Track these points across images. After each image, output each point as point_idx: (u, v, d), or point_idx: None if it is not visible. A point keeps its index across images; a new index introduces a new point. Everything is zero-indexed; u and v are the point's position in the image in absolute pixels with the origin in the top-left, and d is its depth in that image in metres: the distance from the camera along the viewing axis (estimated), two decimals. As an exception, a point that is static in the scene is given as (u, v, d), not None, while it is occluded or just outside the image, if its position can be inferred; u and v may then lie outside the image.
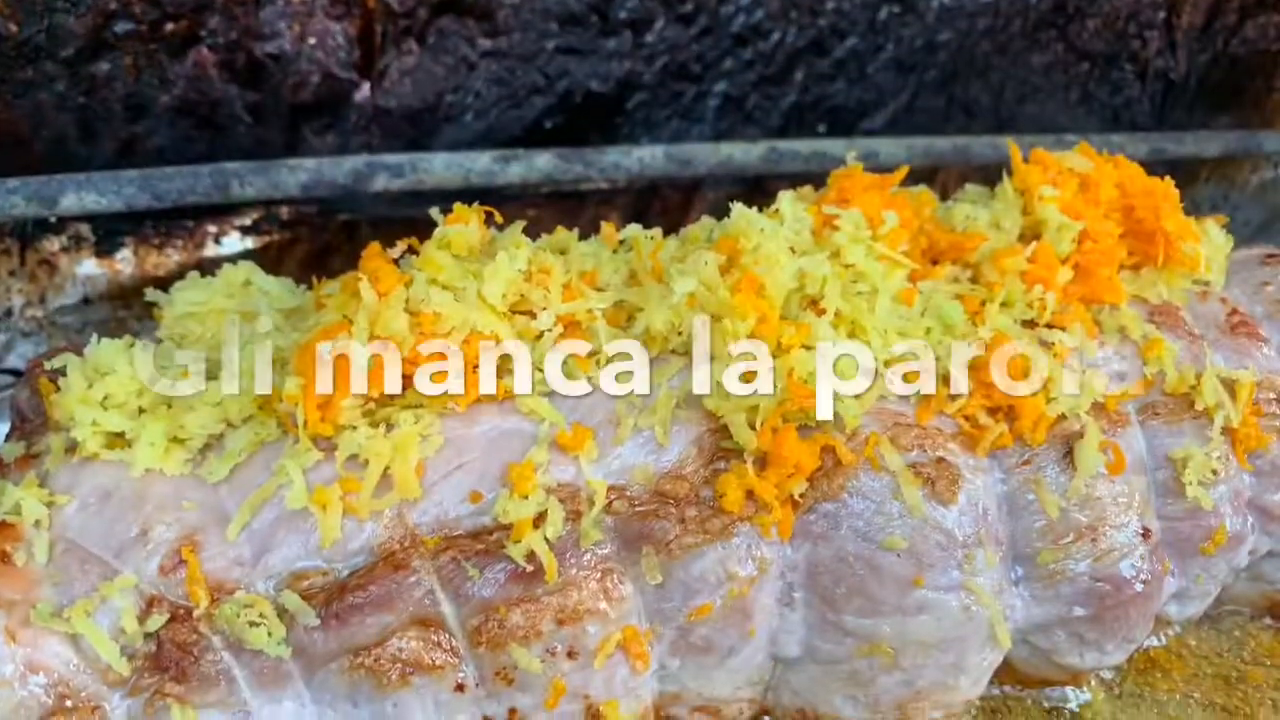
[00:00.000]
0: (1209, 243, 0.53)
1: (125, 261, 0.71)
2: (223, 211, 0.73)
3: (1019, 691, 0.47)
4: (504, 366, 0.42)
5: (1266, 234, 1.22)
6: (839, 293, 0.43)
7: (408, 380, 0.40)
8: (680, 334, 0.43)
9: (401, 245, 0.44)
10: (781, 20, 0.86)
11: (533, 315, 0.42)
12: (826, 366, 0.42)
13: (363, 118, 0.75)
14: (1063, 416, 0.44)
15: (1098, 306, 0.49)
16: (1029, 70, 0.96)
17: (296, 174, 0.61)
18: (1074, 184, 0.50)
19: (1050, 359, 0.45)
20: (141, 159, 0.69)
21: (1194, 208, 1.27)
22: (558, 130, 0.82)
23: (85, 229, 0.70)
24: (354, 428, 0.39)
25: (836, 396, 0.41)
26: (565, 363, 0.42)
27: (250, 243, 0.74)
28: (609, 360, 0.43)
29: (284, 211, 0.74)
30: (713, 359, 0.42)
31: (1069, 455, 0.44)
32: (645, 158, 0.70)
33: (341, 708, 0.38)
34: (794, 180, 0.61)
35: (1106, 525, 0.44)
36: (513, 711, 0.39)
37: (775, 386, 0.41)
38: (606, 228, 0.49)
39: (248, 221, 0.74)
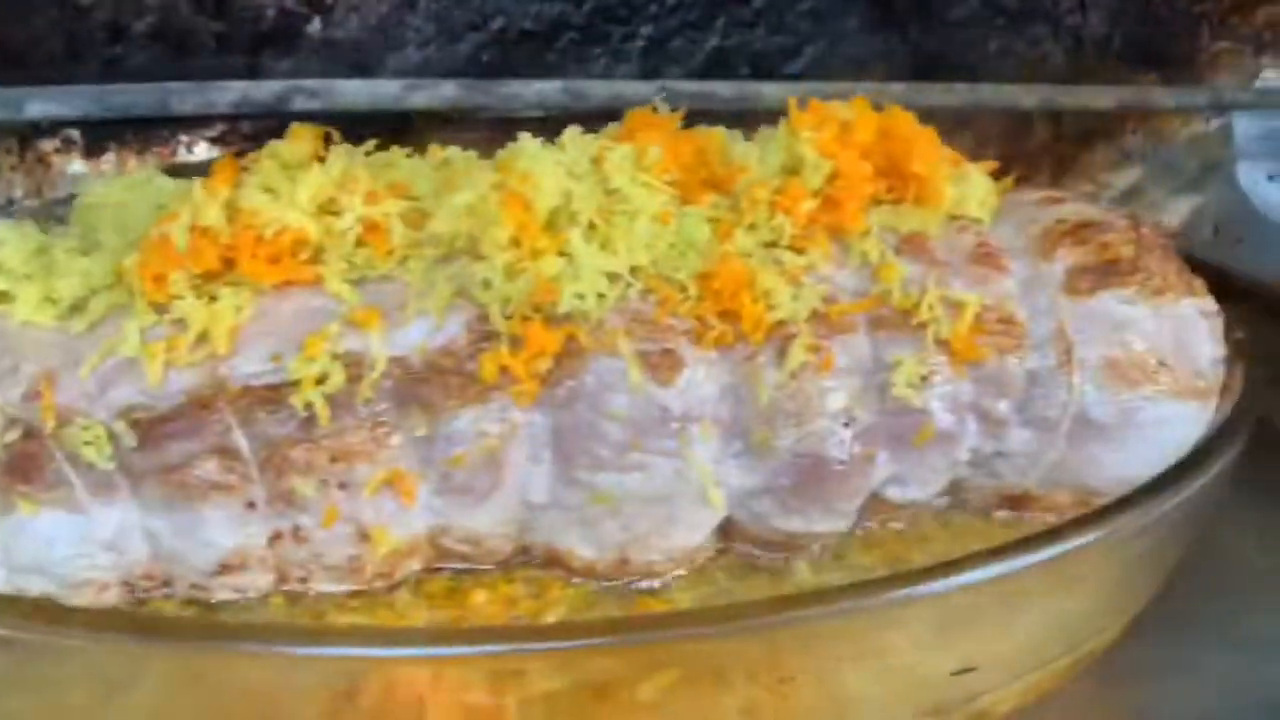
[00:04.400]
0: (971, 185, 0.57)
1: (109, 163, 0.80)
2: (194, 124, 0.80)
3: (756, 553, 0.53)
4: (318, 257, 0.49)
5: (1200, 185, 1.22)
6: (594, 210, 0.49)
7: (232, 263, 0.47)
8: (462, 237, 0.49)
9: (254, 155, 0.51)
10: (702, -29, 0.89)
11: (337, 214, 0.49)
12: (574, 269, 0.48)
13: (314, 46, 0.81)
14: (782, 322, 0.50)
15: (846, 234, 0.53)
16: (946, 23, 0.98)
17: (226, 94, 0.68)
18: (835, 129, 0.54)
19: (776, 274, 0.50)
20: (123, 77, 0.76)
21: (1124, 158, 1.28)
22: (493, 63, 0.87)
23: (75, 134, 0.78)
24: (183, 297, 0.46)
25: (580, 294, 0.47)
26: (368, 255, 0.49)
27: (216, 152, 0.82)
28: (405, 256, 0.49)
29: (245, 126, 0.81)
30: (484, 259, 0.48)
31: (784, 353, 0.49)
32: (542, 91, 0.75)
33: (158, 513, 0.45)
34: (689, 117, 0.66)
35: (812, 412, 0.49)
36: (297, 528, 0.47)
37: (529, 283, 0.47)
38: (432, 149, 0.55)
39: (215, 133, 0.82)
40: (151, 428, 0.45)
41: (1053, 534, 0.43)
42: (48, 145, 0.78)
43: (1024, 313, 0.55)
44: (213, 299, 0.46)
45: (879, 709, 0.42)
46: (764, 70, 0.95)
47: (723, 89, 0.79)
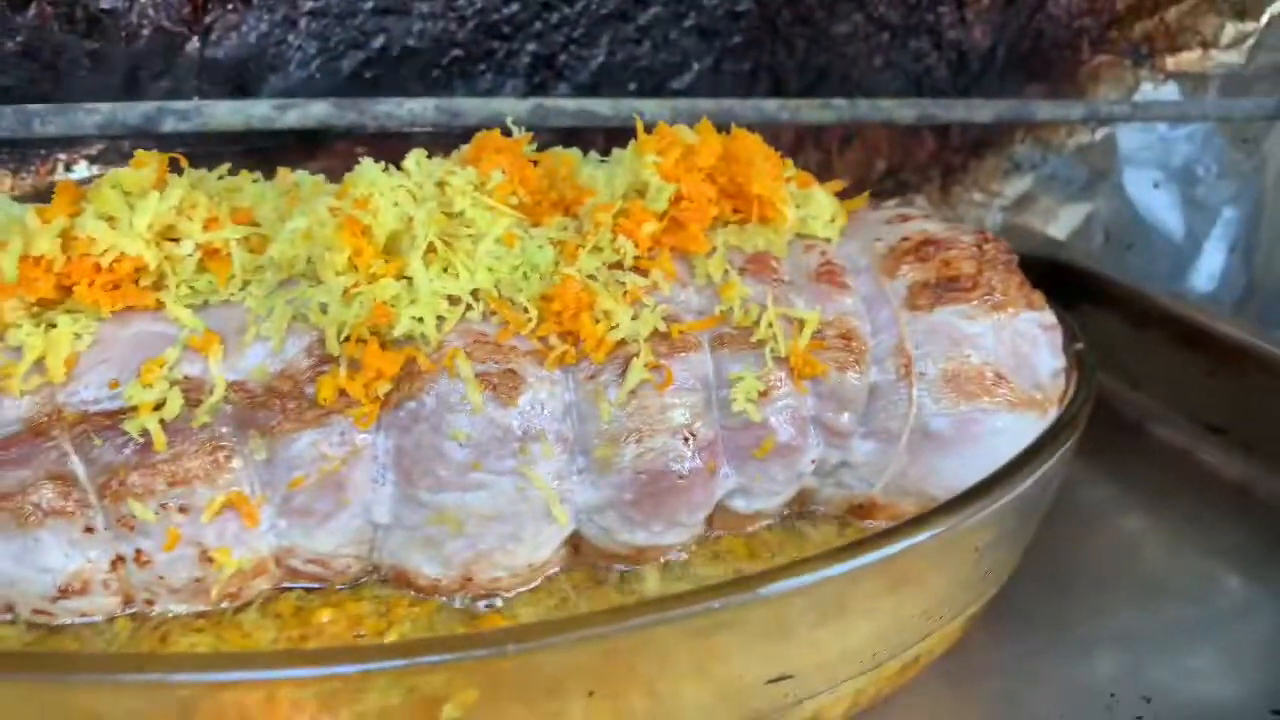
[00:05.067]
0: (817, 204, 0.59)
1: (-21, 184, 0.79)
2: (73, 142, 0.80)
3: (604, 568, 0.54)
4: (160, 283, 0.49)
5: (1089, 193, 1.26)
6: (434, 234, 0.50)
7: (68, 290, 0.47)
8: (300, 262, 0.49)
9: (97, 181, 0.51)
10: (585, -11, 0.90)
11: (177, 240, 0.49)
12: (413, 292, 0.48)
13: (193, 66, 0.81)
14: (623, 341, 0.51)
15: (691, 254, 0.55)
16: (831, 39, 1.00)
17: (93, 116, 0.68)
18: (678, 152, 0.55)
19: (618, 295, 0.51)
20: (-7, 96, 0.75)
21: (1014, 167, 1.31)
22: (378, 80, 0.87)
23: (-54, 154, 0.77)
24: (18, 325, 0.46)
25: (418, 317, 0.48)
26: (209, 281, 0.49)
27: (97, 169, 0.81)
28: (245, 282, 0.50)
29: (125, 145, 0.81)
30: (321, 283, 0.49)
31: (625, 372, 0.51)
32: (416, 109, 0.76)
33: (-7, 540, 0.45)
34: (562, 135, 0.67)
35: (652, 429, 0.51)
36: (139, 551, 0.47)
37: (365, 307, 0.48)
38: (282, 172, 0.55)
39: (94, 152, 0.81)
40: (-16, 456, 0.45)
41: (876, 539, 0.45)
42: (-87, 167, 0.77)
43: (866, 328, 0.56)
44: (51, 326, 0.46)
45: (705, 717, 0.44)
46: (651, 86, 0.96)
47: (601, 106, 0.80)
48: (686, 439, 0.51)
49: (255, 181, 0.54)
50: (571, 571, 0.53)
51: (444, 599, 0.50)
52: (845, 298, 0.57)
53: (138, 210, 0.48)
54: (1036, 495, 0.53)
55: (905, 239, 0.60)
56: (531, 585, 0.52)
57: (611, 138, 0.86)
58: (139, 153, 0.51)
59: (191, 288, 0.49)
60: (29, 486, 0.45)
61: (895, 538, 0.45)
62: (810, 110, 0.84)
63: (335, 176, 0.76)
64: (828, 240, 0.59)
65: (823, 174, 0.95)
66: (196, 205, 0.49)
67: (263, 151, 0.82)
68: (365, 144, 0.88)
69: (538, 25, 0.90)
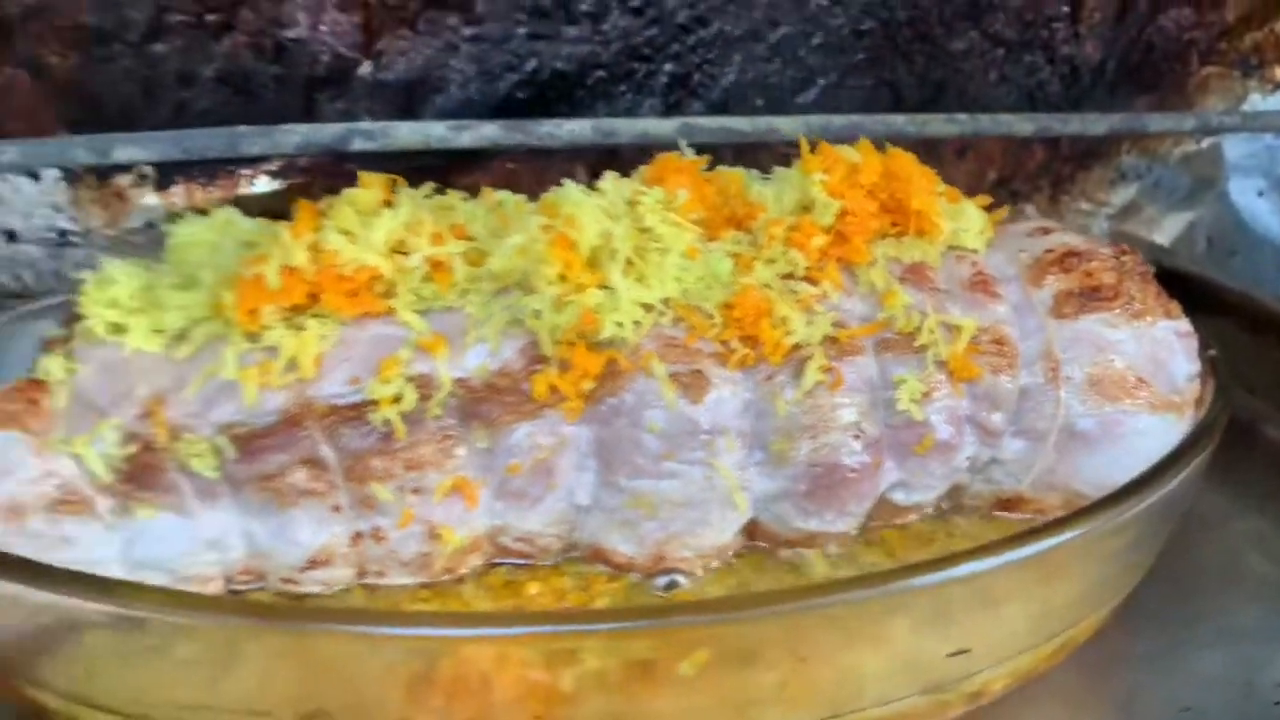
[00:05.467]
0: (967, 218, 0.63)
1: (178, 196, 0.86)
2: (254, 159, 0.87)
3: (773, 550, 0.59)
4: (391, 291, 0.55)
5: (1192, 201, 1.28)
6: (630, 248, 0.55)
7: (316, 298, 0.54)
8: (515, 273, 0.55)
9: (328, 200, 0.57)
10: (720, 13, 0.95)
11: (406, 254, 0.55)
12: (614, 300, 0.54)
13: (365, 89, 0.88)
14: (798, 345, 0.56)
15: (855, 265, 0.59)
16: (948, 55, 1.03)
17: (290, 137, 0.74)
18: (843, 170, 0.60)
19: (792, 302, 0.56)
20: (190, 119, 0.83)
21: (1119, 177, 1.34)
22: (529, 101, 0.93)
23: (149, 170, 0.84)
24: (273, 328, 0.52)
25: (619, 323, 0.53)
26: (433, 290, 0.55)
27: (276, 184, 0.89)
28: (465, 291, 0.55)
29: (302, 161, 0.88)
30: (535, 292, 0.54)
31: (800, 374, 0.55)
32: (574, 129, 0.81)
33: (256, 516, 0.52)
34: (701, 149, 0.72)
35: (825, 426, 0.55)
36: (376, 528, 0.53)
37: (575, 313, 0.53)
38: (485, 191, 0.61)
39: (274, 168, 0.88)
40: (249, 441, 0.51)
41: (1031, 534, 0.49)
42: (124, 180, 0.85)
43: (1015, 334, 0.61)
44: (300, 329, 0.53)
45: (886, 684, 0.48)
46: (778, 101, 1.01)
47: (740, 124, 0.84)
48: (856, 435, 0.56)
49: (464, 200, 0.59)
50: (745, 555, 0.58)
51: (636, 576, 0.56)
52: (997, 305, 0.61)
53: (373, 226, 0.54)
54: (1179, 495, 0.56)
55: (1049, 251, 0.64)
56: (713, 566, 0.57)
57: (739, 152, 0.91)
58: (363, 175, 0.57)
59: (418, 295, 0.55)
60: (286, 469, 0.51)
61: (1060, 529, 0.49)
62: (935, 125, 0.88)
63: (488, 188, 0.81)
64: (977, 251, 0.63)
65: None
66: (423, 222, 0.55)
67: (427, 167, 0.88)
68: (513, 160, 0.94)
69: (675, 47, 0.95)
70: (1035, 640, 0.52)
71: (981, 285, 0.61)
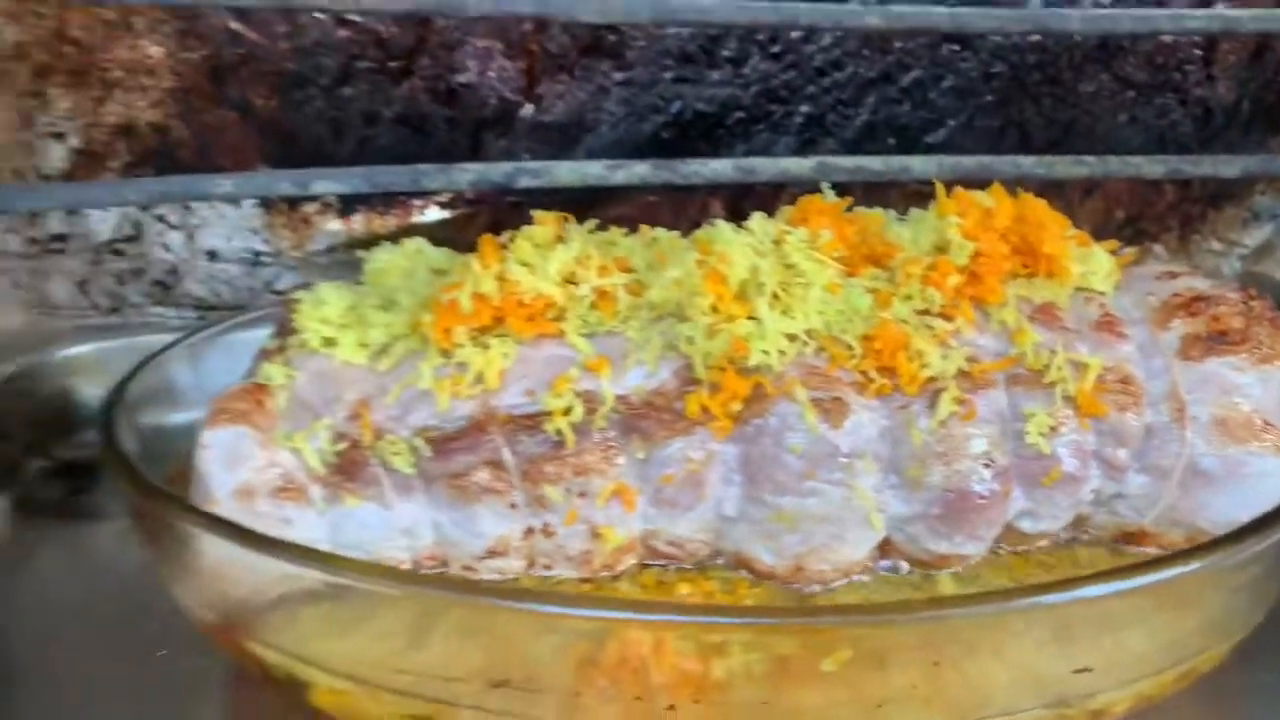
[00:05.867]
0: (1096, 262, 0.66)
1: (358, 222, 0.95)
2: (426, 191, 0.95)
3: (909, 570, 0.63)
4: (562, 316, 0.62)
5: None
6: (776, 283, 0.60)
7: (500, 320, 0.60)
8: (672, 304, 0.61)
9: (508, 234, 0.64)
10: (855, 57, 1.00)
11: (576, 284, 0.61)
12: (761, 330, 0.59)
13: (526, 128, 0.95)
14: (933, 378, 0.60)
15: (988, 303, 0.63)
16: (1077, 97, 1.06)
17: (465, 174, 0.82)
18: (978, 214, 0.64)
19: (928, 337, 0.60)
20: (372, 154, 0.92)
21: (1252, 217, 1.33)
22: (673, 140, 1.00)
23: (333, 199, 0.94)
24: (463, 345, 0.59)
25: (766, 351, 0.59)
26: (598, 316, 0.61)
27: (445, 214, 0.97)
28: (626, 318, 0.61)
29: (468, 193, 0.96)
30: (689, 320, 0.60)
31: (934, 404, 0.59)
32: (718, 168, 0.87)
33: (444, 509, 0.58)
34: (835, 186, 0.77)
35: (957, 454, 0.59)
36: (546, 525, 0.59)
37: (725, 341, 0.59)
38: (644, 228, 0.67)
39: (444, 199, 0.96)
40: (441, 443, 0.58)
41: (1156, 563, 0.52)
42: (311, 208, 0.94)
43: (1141, 374, 0.63)
44: (486, 347, 0.59)
45: (1012, 694, 0.52)
46: (909, 140, 1.05)
47: (874, 163, 0.88)
48: (986, 464, 0.59)
49: (625, 235, 0.65)
50: (876, 571, 0.62)
51: (776, 584, 0.60)
52: (1123, 346, 0.64)
53: (549, 260, 0.60)
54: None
55: (1176, 295, 0.66)
56: (847, 579, 0.61)
57: (868, 188, 0.95)
58: (538, 214, 0.64)
59: (586, 321, 0.61)
60: (471, 469, 0.58)
61: (1180, 561, 0.52)
62: (1063, 166, 0.91)
63: (629, 221, 0.88)
64: (1104, 293, 0.66)
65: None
66: (590, 256, 0.61)
67: (577, 199, 0.95)
68: (655, 193, 1.00)
69: (810, 89, 1.00)
70: (1157, 667, 0.54)
71: (1108, 326, 0.64)
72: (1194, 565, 0.52)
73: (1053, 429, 0.60)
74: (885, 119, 1.03)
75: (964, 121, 1.04)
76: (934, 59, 1.01)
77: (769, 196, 1.05)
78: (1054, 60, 1.03)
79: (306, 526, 0.57)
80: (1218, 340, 0.63)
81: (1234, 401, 0.62)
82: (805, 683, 0.49)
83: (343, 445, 0.58)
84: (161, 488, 0.56)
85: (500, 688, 0.49)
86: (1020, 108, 1.05)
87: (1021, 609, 0.48)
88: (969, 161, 0.91)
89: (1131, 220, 1.16)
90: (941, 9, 0.85)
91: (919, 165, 0.90)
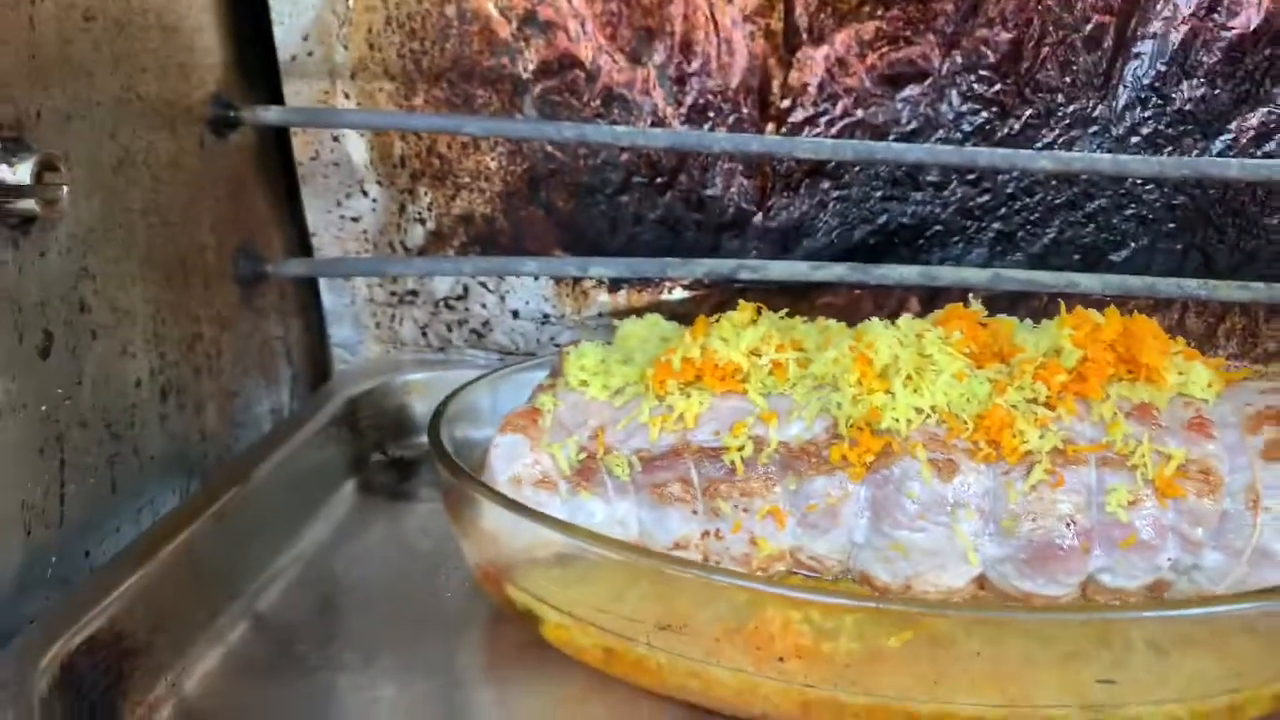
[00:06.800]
0: (1195, 373, 0.78)
1: (621, 296, 1.20)
2: (672, 277, 1.19)
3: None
4: (745, 379, 0.82)
5: None
6: (912, 368, 0.77)
7: (700, 377, 0.82)
8: (829, 376, 0.80)
9: (717, 315, 0.86)
10: (1043, 185, 1.15)
11: (759, 356, 0.82)
12: (894, 403, 0.76)
13: (755, 232, 1.17)
14: (1030, 452, 0.75)
15: (1090, 399, 0.77)
16: (1261, 228, 1.14)
17: (700, 267, 1.05)
18: (1089, 327, 0.78)
19: (1030, 420, 0.75)
20: (637, 246, 1.17)
21: None
22: (878, 246, 1.18)
23: (605, 279, 1.20)
24: (673, 394, 0.81)
25: (896, 419, 0.76)
26: (773, 381, 0.81)
27: (686, 294, 1.20)
28: (793, 384, 0.81)
29: (705, 280, 1.19)
30: (839, 390, 0.79)
31: (1029, 473, 0.74)
32: (904, 272, 1.04)
33: (646, 509, 0.80)
34: (1013, 295, 0.93)
35: (1045, 514, 0.74)
36: (717, 530, 0.79)
37: (865, 408, 0.77)
38: (820, 320, 0.87)
39: (686, 283, 1.20)
40: (649, 462, 0.80)
41: (1181, 603, 0.64)
42: (588, 283, 1.21)
43: (1225, 468, 0.75)
44: (688, 396, 0.81)
45: (1050, 693, 0.66)
46: (1093, 258, 1.17)
47: (1044, 278, 1.02)
48: (1069, 524, 0.73)
49: (803, 322, 0.85)
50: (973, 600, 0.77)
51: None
52: (1209, 443, 0.75)
53: (742, 336, 0.81)
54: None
55: (1270, 406, 0.77)
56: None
57: (1053, 300, 1.08)
58: (741, 302, 0.85)
59: (763, 383, 0.81)
60: (668, 483, 0.79)
61: (1195, 605, 0.64)
62: (1225, 289, 1.00)
63: (835, 309, 1.08)
64: (1206, 400, 0.78)
65: (1246, 339, 1.10)
66: (772, 336, 0.82)
67: (795, 290, 1.16)
68: (858, 287, 1.18)
69: (1003, 210, 1.15)
70: (1188, 696, 0.66)
71: (1199, 426, 0.76)
72: (1201, 611, 0.65)
73: (1132, 503, 0.73)
74: (1070, 238, 1.16)
75: (1146, 244, 1.15)
76: (1118, 190, 1.13)
77: (959, 296, 1.21)
78: (1238, 195, 1.12)
79: (553, 510, 0.80)
80: (1300, 446, 0.74)
81: (1303, 499, 0.72)
82: (880, 661, 0.66)
83: (583, 455, 0.81)
84: (467, 470, 0.82)
85: (665, 630, 0.70)
86: (1203, 235, 1.14)
87: (1018, 619, 0.63)
88: (1134, 281, 1.03)
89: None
90: (1106, 156, 0.98)
91: (1086, 281, 1.03)
